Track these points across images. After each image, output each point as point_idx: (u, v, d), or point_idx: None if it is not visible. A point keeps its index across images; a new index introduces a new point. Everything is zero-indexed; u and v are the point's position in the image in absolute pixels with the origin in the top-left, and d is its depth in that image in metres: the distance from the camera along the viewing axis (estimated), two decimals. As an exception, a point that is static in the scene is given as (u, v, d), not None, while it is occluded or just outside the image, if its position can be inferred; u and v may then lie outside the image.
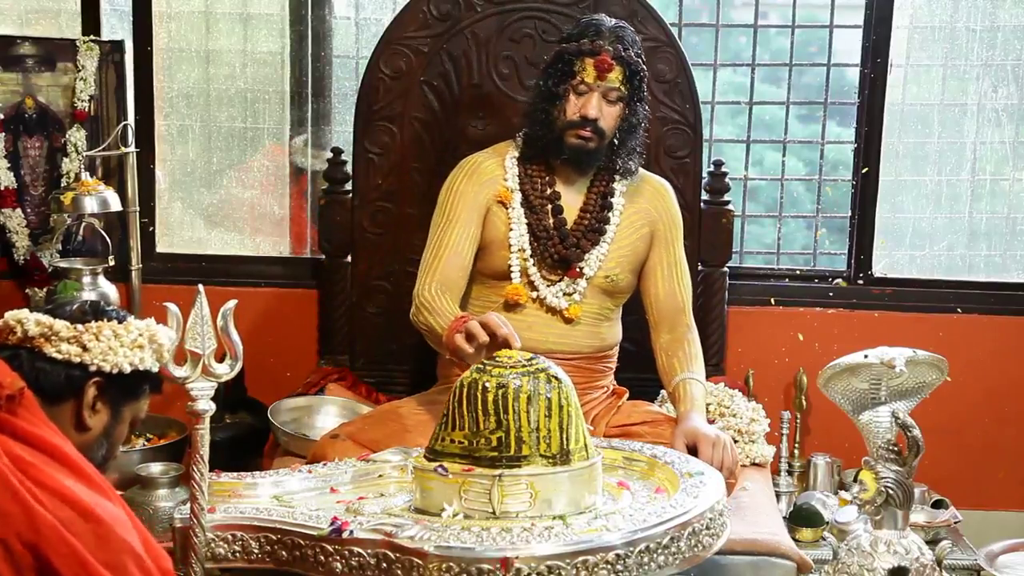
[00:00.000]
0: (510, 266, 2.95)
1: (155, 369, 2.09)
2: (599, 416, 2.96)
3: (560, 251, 2.95)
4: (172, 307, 2.05)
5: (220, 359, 2.11)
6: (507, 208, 2.96)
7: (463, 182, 2.98)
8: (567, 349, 2.95)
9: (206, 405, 2.10)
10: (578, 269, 2.96)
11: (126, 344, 2.03)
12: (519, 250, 2.96)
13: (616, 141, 2.95)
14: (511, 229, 2.96)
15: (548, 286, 2.96)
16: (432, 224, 3.00)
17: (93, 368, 1.99)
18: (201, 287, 2.09)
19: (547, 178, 2.99)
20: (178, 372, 2.08)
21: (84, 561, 1.77)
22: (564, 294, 2.96)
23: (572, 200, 3.00)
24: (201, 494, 2.11)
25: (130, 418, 2.10)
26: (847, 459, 3.53)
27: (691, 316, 3.06)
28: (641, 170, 3.08)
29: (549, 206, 2.97)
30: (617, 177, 3.00)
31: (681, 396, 2.87)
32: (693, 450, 2.66)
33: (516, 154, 3.01)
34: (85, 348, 1.99)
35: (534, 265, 2.96)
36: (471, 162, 3.03)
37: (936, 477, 3.53)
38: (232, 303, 2.11)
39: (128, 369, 2.03)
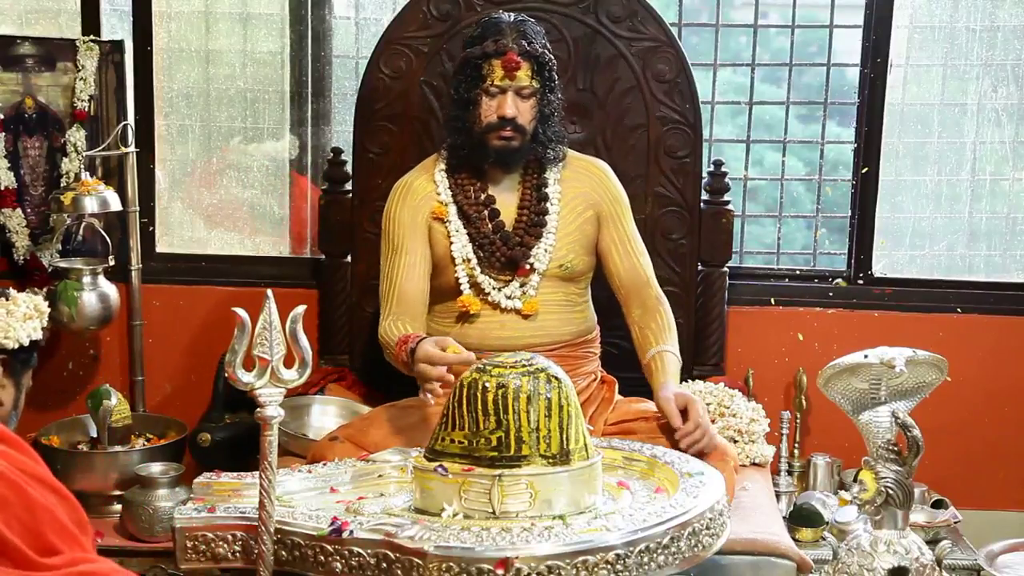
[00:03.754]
0: (458, 279, 2.97)
1: (41, 337, 2.15)
2: (596, 414, 2.96)
3: (505, 253, 2.96)
4: (241, 312, 2.04)
5: (289, 365, 2.10)
6: (444, 223, 2.97)
7: (398, 208, 3.00)
8: (546, 340, 2.96)
9: (274, 411, 2.10)
10: (527, 266, 2.97)
11: (19, 318, 2.10)
12: (463, 261, 2.97)
13: (539, 132, 2.95)
14: (451, 243, 2.97)
15: (500, 289, 2.97)
16: (382, 254, 3.03)
17: None
18: (270, 292, 2.08)
19: (478, 184, 3.00)
20: (245, 378, 2.07)
21: (69, 532, 1.81)
22: (520, 292, 2.97)
23: (507, 200, 3.01)
24: (270, 502, 2.10)
25: (25, 387, 2.18)
26: (847, 459, 3.53)
27: (657, 288, 3.06)
28: (572, 152, 3.09)
29: (485, 211, 2.98)
30: (547, 166, 3.01)
31: (658, 367, 2.90)
32: (683, 412, 2.72)
33: (444, 166, 3.02)
34: None
35: (482, 272, 2.96)
36: (402, 185, 3.04)
37: (936, 477, 3.53)
38: (301, 308, 2.10)
39: (27, 342, 2.14)
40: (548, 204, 2.99)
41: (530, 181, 3.01)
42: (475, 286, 2.97)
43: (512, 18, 2.93)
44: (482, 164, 2.97)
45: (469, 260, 2.96)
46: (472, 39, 2.94)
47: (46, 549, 1.82)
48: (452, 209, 2.98)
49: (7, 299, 2.16)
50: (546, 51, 2.92)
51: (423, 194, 3.00)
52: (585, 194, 3.04)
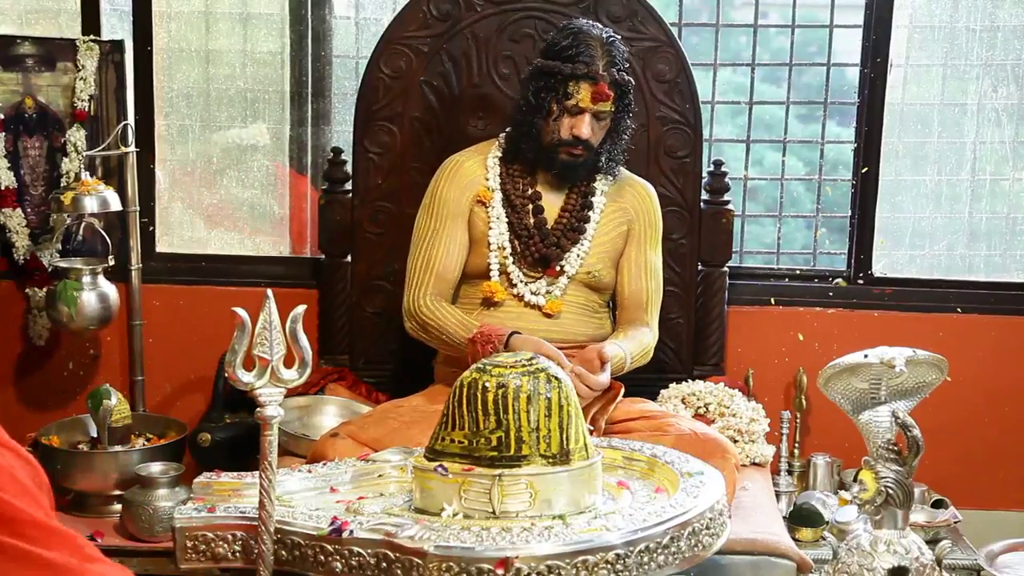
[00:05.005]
0: (489, 264, 2.99)
1: None
2: (598, 415, 2.97)
3: (541, 249, 3.00)
4: (241, 312, 2.04)
5: (289, 365, 2.11)
6: (486, 207, 2.99)
7: (446, 186, 3.04)
8: (561, 338, 2.99)
9: (274, 411, 2.09)
10: (558, 268, 3.01)
11: None
12: (499, 248, 3.01)
13: (603, 147, 3.00)
14: (490, 228, 2.99)
15: (527, 283, 3.00)
16: (417, 226, 3.06)
17: None
18: (270, 292, 2.08)
19: (528, 178, 3.03)
20: (245, 378, 2.07)
21: (31, 493, 1.81)
22: (545, 291, 3.00)
23: (553, 199, 3.05)
24: (270, 502, 2.10)
25: None
26: (847, 459, 3.53)
27: (652, 317, 3.12)
28: (626, 171, 3.14)
29: (530, 205, 3.01)
30: (598, 176, 3.03)
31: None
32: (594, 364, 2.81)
33: (499, 153, 3.05)
34: None
35: (514, 263, 2.99)
36: (453, 163, 3.07)
37: (936, 477, 3.53)
38: (301, 308, 2.10)
39: None
40: (590, 212, 3.03)
41: (579, 187, 3.06)
42: (504, 274, 3.01)
43: (603, 35, 2.93)
44: (545, 172, 3.01)
45: (504, 248, 3.01)
46: (558, 49, 2.93)
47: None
48: (497, 196, 3.02)
49: None
50: (630, 78, 2.96)
51: (471, 177, 3.04)
52: (624, 209, 3.09)
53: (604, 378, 2.81)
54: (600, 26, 3.01)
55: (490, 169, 3.04)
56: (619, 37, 3.01)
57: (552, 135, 2.94)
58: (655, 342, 3.11)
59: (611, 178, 3.07)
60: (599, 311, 3.12)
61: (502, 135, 3.09)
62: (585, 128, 2.91)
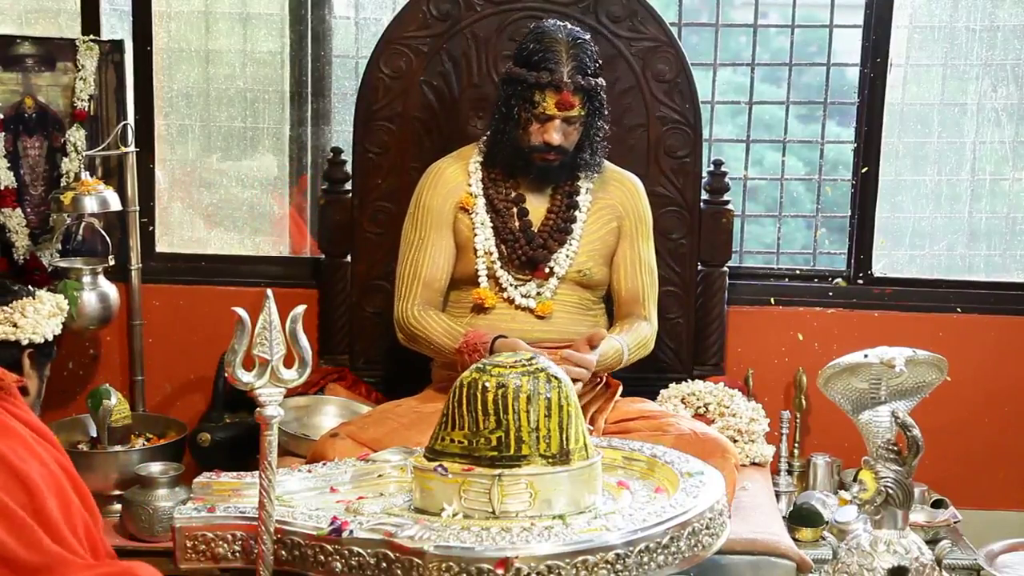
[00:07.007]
0: (477, 270, 2.99)
1: (60, 332, 2.50)
2: (597, 414, 2.97)
3: (527, 252, 2.99)
4: (241, 312, 2.04)
5: (289, 365, 2.10)
6: (470, 214, 2.99)
7: (429, 194, 3.04)
8: (555, 338, 2.98)
9: (274, 411, 2.09)
10: (547, 269, 3.00)
11: (44, 315, 2.38)
12: (485, 253, 3.00)
13: (580, 149, 2.98)
14: (475, 234, 2.98)
15: (517, 287, 2.99)
16: (404, 236, 3.07)
17: (25, 341, 2.39)
18: (270, 292, 2.08)
19: (511, 181, 3.03)
20: (245, 378, 2.07)
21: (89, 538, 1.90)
22: (536, 293, 2.99)
23: (538, 201, 3.04)
24: (270, 502, 2.10)
25: (46, 378, 2.50)
26: (847, 459, 3.53)
27: (650, 311, 3.12)
28: (609, 164, 3.12)
29: (514, 209, 3.00)
30: (581, 175, 3.02)
31: None
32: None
33: (480, 158, 3.04)
34: (16, 325, 2.37)
35: (502, 267, 2.99)
36: (434, 171, 3.07)
37: (936, 477, 3.53)
38: (301, 308, 2.10)
39: (51, 337, 2.44)
40: (576, 212, 3.02)
41: (563, 188, 3.04)
42: (493, 279, 3.00)
43: (569, 37, 2.89)
44: (522, 176, 3.01)
45: (491, 253, 3.00)
46: (525, 55, 2.91)
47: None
48: (480, 202, 3.01)
49: (34, 298, 2.38)
50: (599, 82, 2.93)
51: (453, 183, 3.03)
52: (612, 206, 3.08)
53: (592, 357, 2.82)
54: (569, 27, 2.97)
55: (472, 175, 3.03)
56: (588, 37, 2.96)
57: (525, 141, 2.93)
58: (654, 333, 3.11)
59: (594, 175, 3.05)
60: (593, 308, 3.11)
61: (482, 139, 3.08)
62: (555, 135, 2.90)
